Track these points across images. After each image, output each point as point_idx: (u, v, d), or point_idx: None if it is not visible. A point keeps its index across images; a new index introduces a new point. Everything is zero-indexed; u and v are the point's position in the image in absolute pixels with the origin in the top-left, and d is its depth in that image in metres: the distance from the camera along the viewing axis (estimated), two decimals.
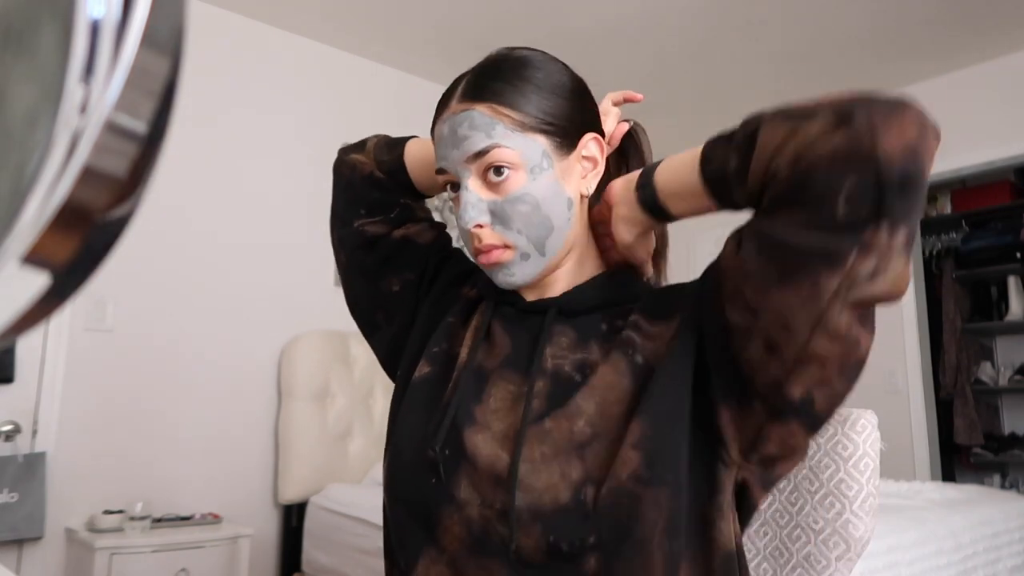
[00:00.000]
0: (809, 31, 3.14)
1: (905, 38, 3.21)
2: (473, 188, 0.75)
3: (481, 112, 0.74)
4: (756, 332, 0.65)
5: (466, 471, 0.72)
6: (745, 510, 0.73)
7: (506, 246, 0.76)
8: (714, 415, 0.69)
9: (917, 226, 0.61)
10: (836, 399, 0.66)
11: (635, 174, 0.80)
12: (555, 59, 0.80)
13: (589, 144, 0.79)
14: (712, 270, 0.72)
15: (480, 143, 0.74)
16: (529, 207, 0.75)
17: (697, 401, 0.70)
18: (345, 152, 0.97)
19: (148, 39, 0.19)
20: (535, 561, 0.67)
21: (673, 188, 0.75)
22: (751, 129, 0.66)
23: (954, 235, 4.44)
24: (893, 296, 0.62)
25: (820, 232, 0.60)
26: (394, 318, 0.91)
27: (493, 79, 0.76)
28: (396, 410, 0.83)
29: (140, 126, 0.19)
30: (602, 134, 0.82)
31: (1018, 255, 4.09)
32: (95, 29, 0.19)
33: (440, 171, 0.79)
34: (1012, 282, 4.22)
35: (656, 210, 0.78)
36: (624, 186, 0.81)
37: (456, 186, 0.78)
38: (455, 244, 0.97)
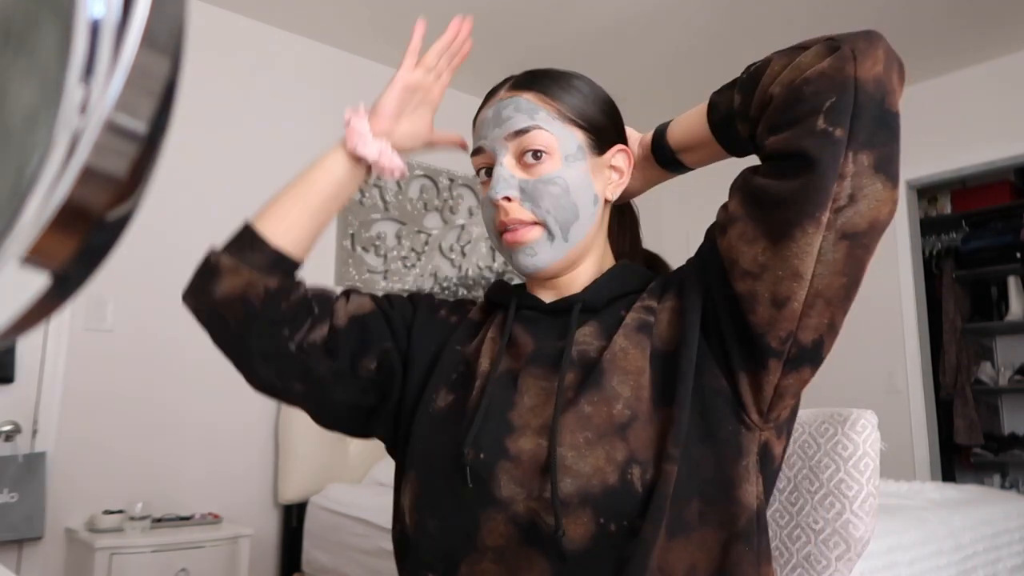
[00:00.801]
0: (812, 31, 3.13)
1: (906, 38, 3.21)
2: (507, 165, 0.80)
3: (527, 99, 0.81)
4: (760, 293, 0.69)
5: (506, 469, 0.72)
6: (768, 463, 0.75)
7: (534, 223, 0.79)
8: (735, 383, 0.72)
9: (889, 153, 0.67)
10: (836, 333, 0.71)
11: (647, 137, 0.88)
12: (591, 80, 0.87)
13: (618, 155, 0.85)
14: (707, 247, 0.76)
15: (522, 122, 0.79)
16: (560, 189, 0.79)
17: (715, 372, 0.73)
18: (202, 294, 0.82)
19: (148, 39, 0.19)
20: (580, 548, 0.68)
21: (686, 143, 0.84)
22: (753, 69, 0.74)
23: (954, 235, 4.44)
24: (878, 222, 0.67)
25: (804, 156, 0.66)
26: (387, 389, 0.85)
27: (542, 76, 0.83)
28: (409, 435, 0.81)
29: (140, 126, 0.19)
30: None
31: (1018, 255, 4.09)
32: (95, 29, 0.19)
33: (477, 151, 0.83)
34: (1012, 282, 4.22)
35: (674, 165, 0.86)
36: (641, 153, 0.88)
37: (488, 172, 0.82)
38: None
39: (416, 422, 0.81)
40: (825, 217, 0.66)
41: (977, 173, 3.63)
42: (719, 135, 0.79)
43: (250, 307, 0.78)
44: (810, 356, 0.71)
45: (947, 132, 3.50)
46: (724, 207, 0.75)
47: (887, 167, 0.66)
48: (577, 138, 0.81)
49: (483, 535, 0.71)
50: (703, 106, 0.81)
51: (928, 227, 4.34)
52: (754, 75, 0.73)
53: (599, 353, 0.77)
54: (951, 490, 2.43)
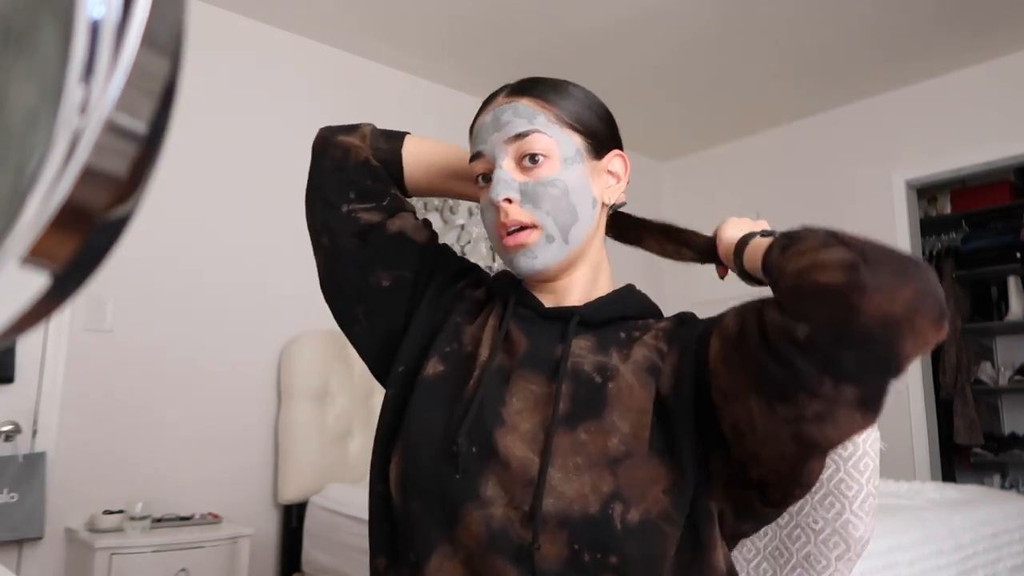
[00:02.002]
0: (812, 31, 3.14)
1: (906, 38, 3.21)
2: (507, 168, 0.81)
3: (526, 104, 0.82)
4: (726, 415, 0.70)
5: (495, 470, 0.73)
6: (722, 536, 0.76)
7: (533, 225, 0.80)
8: (708, 455, 0.73)
9: (877, 391, 0.61)
10: (790, 496, 0.71)
11: (737, 234, 0.84)
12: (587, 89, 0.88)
13: (615, 160, 0.86)
14: (703, 342, 0.75)
15: (522, 127, 0.80)
16: (559, 191, 0.80)
17: (695, 439, 0.73)
18: (332, 132, 0.95)
19: (148, 39, 0.19)
20: (552, 569, 0.68)
21: (752, 267, 0.80)
22: (798, 233, 0.71)
23: (954, 235, 4.44)
24: (840, 442, 0.64)
25: (783, 353, 0.62)
26: (378, 315, 0.90)
27: (539, 83, 0.84)
28: (400, 406, 0.83)
29: (140, 126, 0.19)
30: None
31: (1018, 255, 4.09)
32: (95, 29, 0.19)
33: (476, 156, 0.83)
34: (1012, 282, 4.22)
35: (747, 278, 0.83)
36: (726, 251, 0.85)
37: (488, 177, 0.83)
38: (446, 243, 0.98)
39: (415, 390, 0.82)
40: (783, 412, 0.63)
41: (977, 173, 3.63)
42: (767, 277, 0.75)
43: (345, 159, 0.92)
44: (754, 488, 0.71)
45: (947, 132, 3.50)
46: (730, 314, 0.74)
47: (872, 404, 0.61)
48: (575, 142, 0.82)
49: (461, 528, 0.72)
50: (766, 242, 0.76)
51: (928, 227, 4.34)
52: (791, 238, 0.71)
53: (590, 366, 0.78)
54: (951, 490, 2.43)
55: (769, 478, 0.70)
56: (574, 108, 0.83)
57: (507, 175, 0.80)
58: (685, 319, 0.84)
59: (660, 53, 3.33)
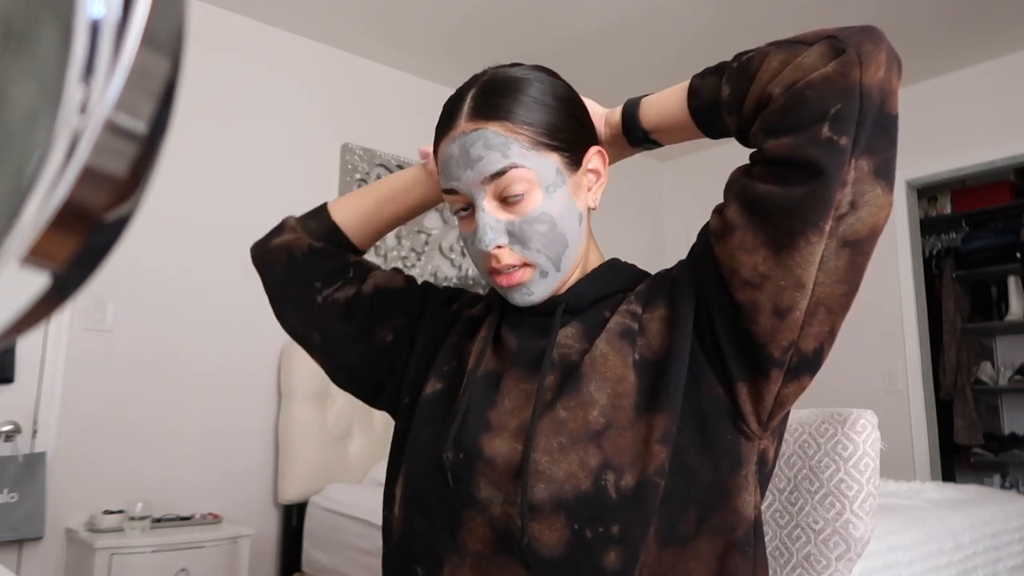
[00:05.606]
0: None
1: (905, 38, 3.21)
2: (490, 210, 0.75)
3: (495, 131, 0.74)
4: (761, 302, 0.68)
5: (483, 471, 0.72)
6: (764, 467, 0.75)
7: (525, 264, 0.76)
8: (733, 392, 0.71)
9: (888, 158, 0.66)
10: (835, 339, 0.70)
11: (614, 115, 0.84)
12: (549, 72, 0.81)
13: (594, 157, 0.81)
14: (702, 255, 0.74)
15: (497, 164, 0.73)
16: (547, 226, 0.75)
17: (712, 381, 0.71)
18: (263, 243, 0.95)
19: (148, 39, 0.19)
20: (556, 554, 0.67)
21: (662, 125, 0.80)
22: (746, 59, 0.71)
23: (954, 235, 4.45)
24: (877, 227, 0.67)
25: (806, 165, 0.64)
26: (397, 364, 0.90)
27: (501, 96, 0.75)
28: (405, 431, 0.83)
29: (140, 126, 0.19)
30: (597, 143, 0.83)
31: (1018, 255, 4.09)
32: (95, 29, 0.19)
33: (449, 191, 0.77)
34: (1012, 282, 4.22)
35: (647, 143, 0.83)
36: (610, 133, 0.84)
37: (465, 207, 0.78)
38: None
39: (416, 412, 0.82)
40: (828, 225, 0.65)
41: (977, 173, 3.63)
42: (700, 121, 0.76)
43: (293, 258, 0.91)
44: (810, 364, 0.70)
45: (947, 132, 3.50)
46: (719, 212, 0.72)
47: (886, 171, 0.66)
48: (554, 162, 0.75)
49: (464, 535, 0.72)
50: (682, 88, 0.77)
51: (928, 227, 4.34)
52: (746, 68, 0.70)
53: (577, 355, 0.76)
54: (951, 490, 2.43)
55: (825, 328, 0.68)
56: (546, 119, 0.75)
57: (491, 219, 0.74)
58: (655, 278, 0.82)
59: (661, 53, 3.33)
